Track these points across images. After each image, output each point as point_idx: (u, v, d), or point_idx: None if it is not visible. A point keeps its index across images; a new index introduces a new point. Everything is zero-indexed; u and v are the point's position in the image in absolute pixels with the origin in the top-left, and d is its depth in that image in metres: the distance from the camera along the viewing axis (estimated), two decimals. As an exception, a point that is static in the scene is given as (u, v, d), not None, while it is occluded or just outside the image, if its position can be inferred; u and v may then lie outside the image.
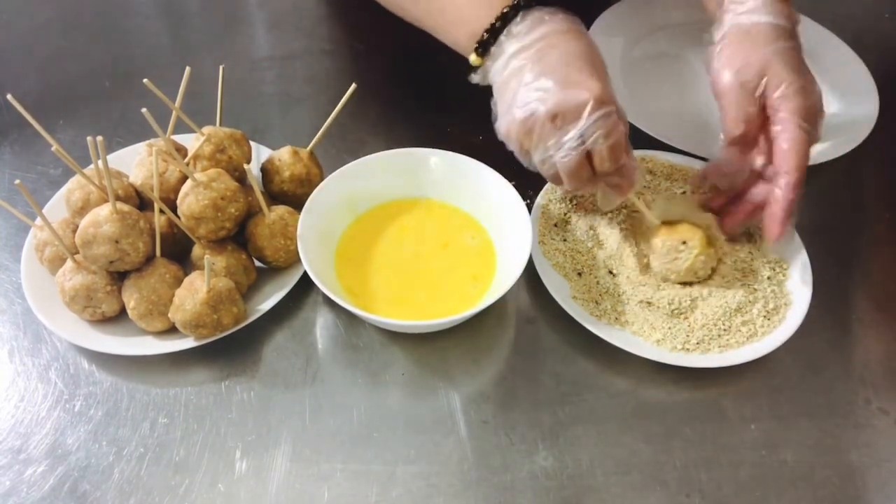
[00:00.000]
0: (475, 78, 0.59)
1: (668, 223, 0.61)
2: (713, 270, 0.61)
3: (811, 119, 0.57)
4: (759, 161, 0.60)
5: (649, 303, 0.59)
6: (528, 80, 0.54)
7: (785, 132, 0.57)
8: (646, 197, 0.65)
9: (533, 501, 0.51)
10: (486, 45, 0.57)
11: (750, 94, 0.58)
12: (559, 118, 0.53)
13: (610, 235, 0.63)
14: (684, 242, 0.59)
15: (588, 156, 0.55)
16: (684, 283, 0.60)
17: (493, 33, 0.56)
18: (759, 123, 0.59)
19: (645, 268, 0.61)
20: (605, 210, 0.64)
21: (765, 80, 0.58)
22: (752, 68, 0.58)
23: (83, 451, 0.53)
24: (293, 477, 0.52)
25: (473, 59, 0.58)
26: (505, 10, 0.55)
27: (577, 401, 0.56)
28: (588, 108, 0.53)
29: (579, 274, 0.61)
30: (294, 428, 0.55)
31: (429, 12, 0.62)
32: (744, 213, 0.61)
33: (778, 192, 0.57)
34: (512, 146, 0.57)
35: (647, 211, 0.62)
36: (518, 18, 0.55)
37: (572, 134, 0.53)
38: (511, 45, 0.55)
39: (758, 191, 0.60)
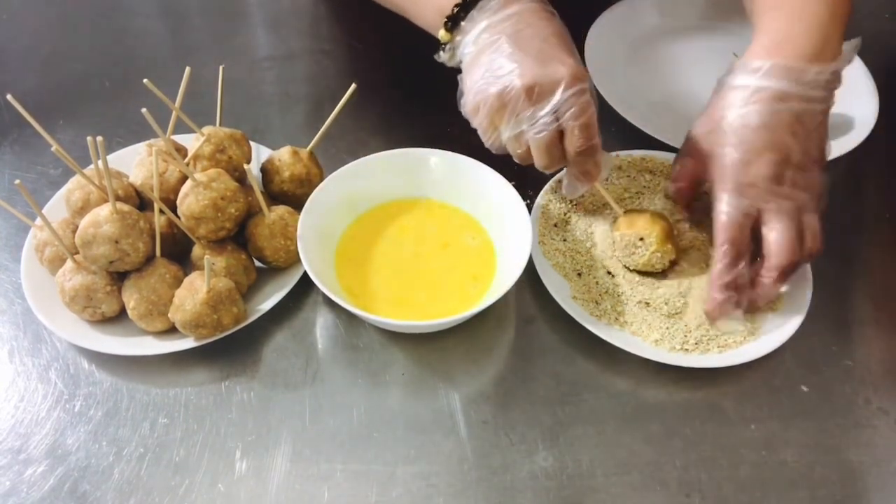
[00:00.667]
0: (442, 56, 0.59)
1: (632, 212, 0.62)
2: (673, 263, 0.62)
3: (748, 191, 0.54)
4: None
5: (647, 303, 0.59)
6: (503, 54, 0.54)
7: (716, 209, 0.56)
8: (615, 190, 0.66)
9: (533, 501, 0.51)
10: (455, 19, 0.56)
11: (690, 173, 0.60)
12: (535, 93, 0.53)
13: (607, 235, 0.63)
14: (641, 238, 0.59)
15: (560, 135, 0.55)
16: (669, 290, 0.60)
17: (465, 7, 0.56)
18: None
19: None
20: (570, 197, 0.65)
21: (708, 159, 0.57)
22: (702, 142, 0.58)
23: (83, 452, 0.53)
24: (293, 477, 0.52)
25: (442, 34, 0.58)
26: None
27: (577, 401, 0.56)
28: (563, 84, 0.53)
29: (579, 274, 0.61)
30: (294, 428, 0.55)
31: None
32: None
33: (762, 282, 0.56)
34: (479, 122, 0.57)
35: (613, 201, 0.62)
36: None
37: (548, 109, 0.53)
38: (483, 19, 0.55)
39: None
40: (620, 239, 0.61)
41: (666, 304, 0.59)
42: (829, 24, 0.57)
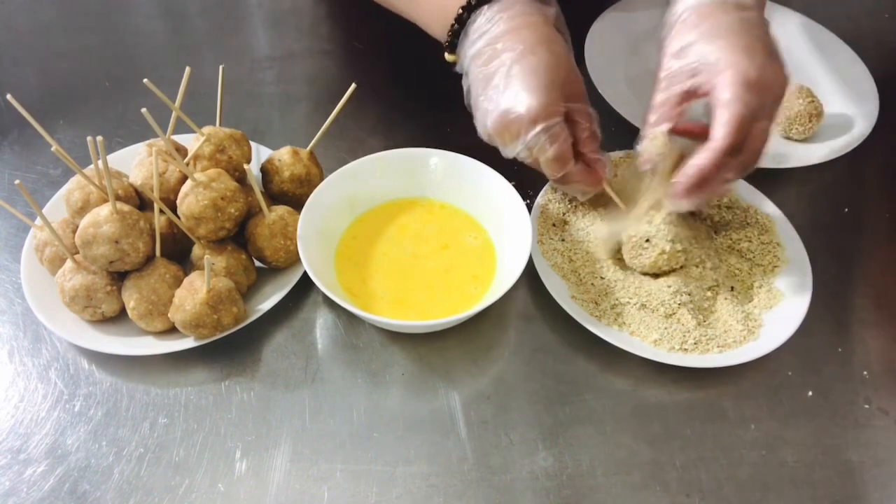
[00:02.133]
0: (456, 68, 0.61)
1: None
2: (702, 266, 0.61)
3: (753, 90, 0.52)
4: None
5: (645, 304, 0.59)
6: (479, 91, 0.58)
7: (717, 104, 0.53)
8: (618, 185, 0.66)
9: (533, 501, 0.51)
10: (452, 45, 0.60)
11: (676, 93, 0.56)
12: (506, 134, 0.57)
13: (604, 235, 0.63)
14: (647, 240, 0.59)
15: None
16: (669, 290, 0.59)
17: (454, 35, 0.59)
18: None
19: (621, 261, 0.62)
20: (581, 200, 0.65)
21: (694, 68, 0.55)
22: (682, 58, 0.56)
23: (83, 452, 0.53)
24: (293, 477, 0.52)
25: (448, 56, 0.61)
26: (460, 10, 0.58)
27: (577, 401, 0.56)
28: (524, 127, 0.55)
29: (577, 274, 0.61)
30: (294, 428, 0.55)
31: (410, 4, 0.65)
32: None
33: (695, 157, 0.54)
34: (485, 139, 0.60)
35: (619, 199, 0.62)
36: (474, 16, 0.58)
37: (519, 148, 0.57)
38: (472, 46, 0.58)
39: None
40: (628, 241, 0.60)
41: (662, 305, 0.58)
42: None
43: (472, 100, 0.59)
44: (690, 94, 0.56)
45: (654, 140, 0.57)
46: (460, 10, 0.57)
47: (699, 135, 0.56)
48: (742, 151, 0.54)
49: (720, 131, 0.53)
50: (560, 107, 0.56)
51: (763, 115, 0.54)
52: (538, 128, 0.55)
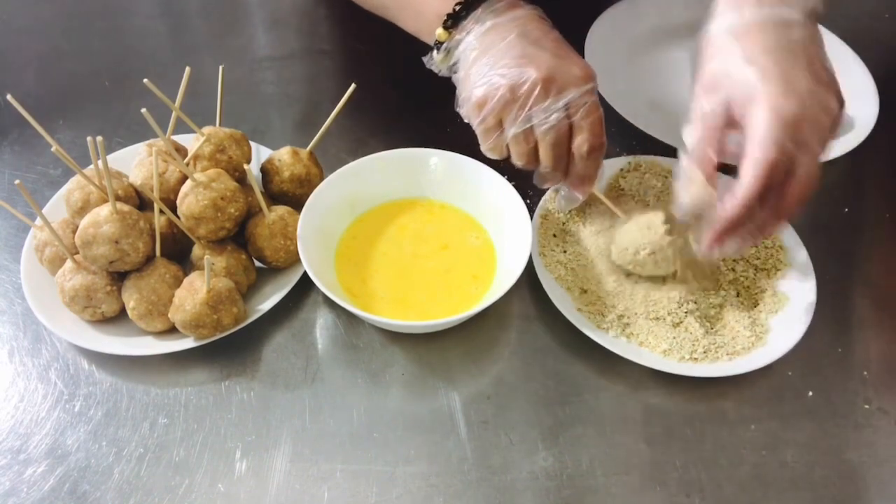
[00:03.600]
0: (434, 57, 0.58)
1: (637, 213, 0.61)
2: (713, 276, 0.61)
3: (792, 129, 0.48)
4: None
5: (651, 314, 0.59)
6: (514, 49, 0.54)
7: (749, 145, 0.49)
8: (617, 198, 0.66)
9: (533, 501, 0.51)
10: (457, 17, 0.56)
11: (714, 128, 0.52)
12: (552, 86, 0.53)
13: (606, 243, 0.63)
14: (646, 244, 0.58)
15: (569, 133, 0.55)
16: (673, 300, 0.59)
17: (468, 6, 0.56)
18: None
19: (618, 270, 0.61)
20: (564, 211, 0.64)
21: (728, 95, 0.51)
22: (716, 84, 0.51)
23: (83, 452, 0.53)
24: (293, 477, 0.52)
25: (440, 32, 0.57)
26: None
27: (577, 401, 0.56)
28: (579, 81, 0.53)
29: (582, 287, 0.60)
30: (294, 428, 0.55)
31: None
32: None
33: (721, 207, 0.51)
34: (483, 117, 0.55)
35: (614, 206, 0.62)
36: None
37: (561, 103, 0.53)
38: (488, 18, 0.55)
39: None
40: (621, 240, 0.60)
41: (669, 314, 0.58)
42: None
43: (475, 66, 0.55)
44: (728, 127, 0.52)
45: (694, 184, 0.53)
46: (456, 5, 0.56)
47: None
48: (781, 195, 0.49)
49: (747, 176, 0.48)
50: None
51: (806, 153, 0.48)
52: (591, 84, 0.54)
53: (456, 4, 0.56)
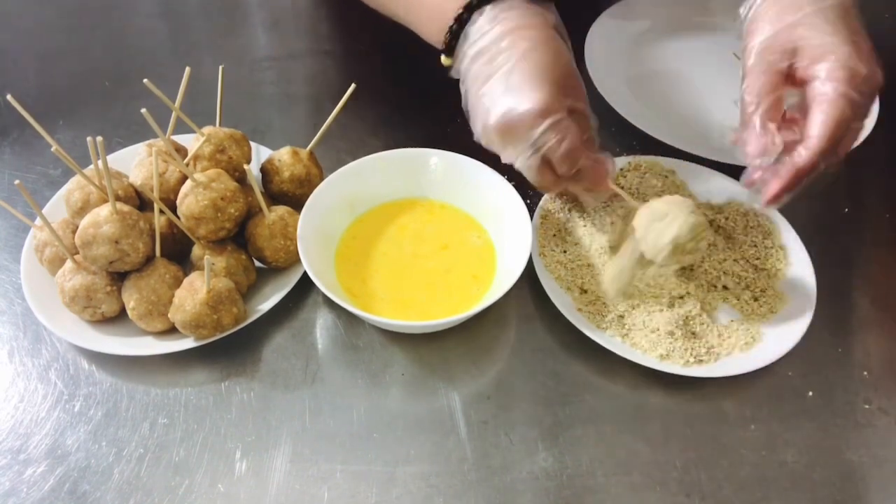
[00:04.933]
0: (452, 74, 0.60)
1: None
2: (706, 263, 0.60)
3: (859, 88, 0.50)
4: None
5: (650, 315, 0.58)
6: (478, 88, 0.56)
7: (820, 99, 0.51)
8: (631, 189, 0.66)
9: (533, 501, 0.51)
10: (451, 46, 0.58)
11: (776, 74, 0.53)
12: (509, 134, 0.55)
13: (603, 247, 0.63)
14: (667, 215, 0.55)
15: (548, 162, 0.56)
16: (674, 297, 0.59)
17: (454, 35, 0.57)
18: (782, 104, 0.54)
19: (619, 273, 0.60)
20: (590, 207, 0.65)
21: (797, 49, 0.52)
22: (778, 41, 0.53)
23: (83, 452, 0.53)
24: (293, 477, 0.52)
25: (444, 59, 0.59)
26: (460, 11, 0.56)
27: (577, 401, 0.56)
28: (533, 120, 0.53)
29: (582, 288, 0.60)
30: (294, 428, 0.55)
31: (407, 8, 0.63)
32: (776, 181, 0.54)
33: (793, 156, 0.52)
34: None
35: (629, 196, 0.61)
36: (475, 16, 0.56)
37: (523, 147, 0.55)
38: (472, 46, 0.56)
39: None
40: (642, 219, 0.56)
41: (669, 314, 0.58)
42: None
43: (470, 100, 0.58)
44: (788, 78, 0.53)
45: (772, 135, 0.53)
46: (461, 10, 0.56)
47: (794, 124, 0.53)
48: (833, 153, 0.52)
49: (821, 130, 0.50)
50: (564, 103, 0.55)
51: (860, 115, 0.51)
52: (547, 122, 0.53)
53: (446, 35, 0.57)
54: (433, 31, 0.59)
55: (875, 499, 0.53)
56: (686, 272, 0.61)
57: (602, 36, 0.81)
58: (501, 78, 0.55)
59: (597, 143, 0.59)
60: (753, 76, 0.54)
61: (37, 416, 0.55)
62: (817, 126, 0.50)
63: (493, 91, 0.55)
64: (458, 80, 0.59)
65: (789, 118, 0.54)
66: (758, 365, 0.55)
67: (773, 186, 0.53)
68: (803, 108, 0.53)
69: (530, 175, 0.57)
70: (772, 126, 0.53)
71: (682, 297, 0.59)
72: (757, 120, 0.53)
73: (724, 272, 0.62)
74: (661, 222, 0.55)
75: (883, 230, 0.70)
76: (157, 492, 0.51)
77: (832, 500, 0.52)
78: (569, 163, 0.55)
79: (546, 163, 0.56)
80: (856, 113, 0.51)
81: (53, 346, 0.59)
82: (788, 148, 0.52)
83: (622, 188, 0.67)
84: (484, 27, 0.56)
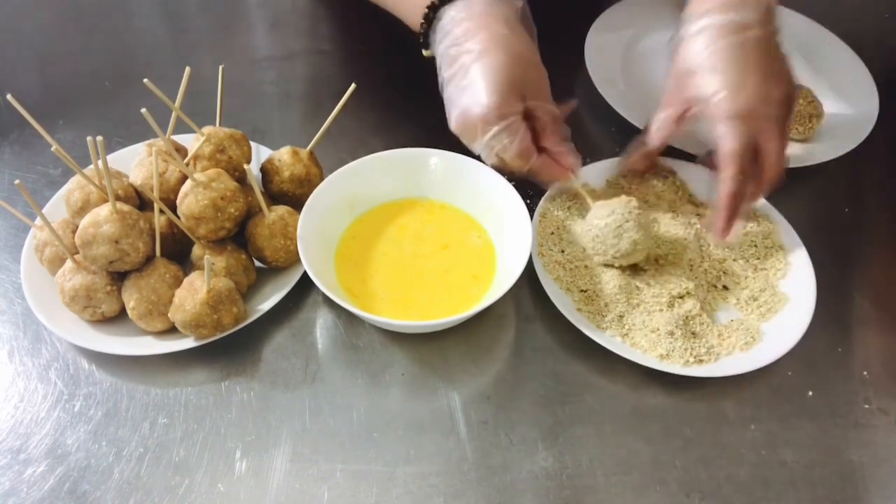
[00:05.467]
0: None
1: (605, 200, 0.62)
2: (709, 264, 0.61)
3: (745, 115, 0.56)
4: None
5: (649, 315, 0.58)
6: (447, 88, 0.59)
7: (715, 132, 0.57)
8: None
9: (533, 501, 0.51)
10: (426, 41, 0.62)
11: (672, 116, 0.61)
12: (467, 133, 0.59)
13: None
14: (619, 227, 0.59)
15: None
16: (674, 297, 0.59)
17: (425, 33, 0.61)
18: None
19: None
20: (553, 192, 0.66)
21: (690, 98, 0.59)
22: (680, 85, 0.60)
23: (83, 452, 0.53)
24: (293, 477, 0.52)
25: (424, 52, 0.63)
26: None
27: (577, 401, 0.56)
28: (481, 126, 0.57)
29: (580, 287, 0.60)
30: (294, 428, 0.55)
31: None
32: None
33: (717, 193, 0.58)
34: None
35: (587, 195, 0.63)
36: (439, 14, 0.60)
37: (477, 148, 0.59)
38: (440, 38, 0.60)
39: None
40: (594, 215, 0.60)
41: (669, 314, 0.58)
42: None
43: (444, 95, 0.61)
44: (687, 114, 0.61)
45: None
46: (426, 10, 0.60)
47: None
48: (761, 169, 0.58)
49: (723, 163, 0.57)
50: (515, 105, 0.58)
51: (769, 133, 0.57)
52: (495, 128, 0.57)
53: (419, 31, 0.61)
54: (414, 21, 0.62)
55: (875, 499, 0.53)
56: (686, 272, 0.61)
57: (602, 36, 0.81)
58: (459, 82, 0.58)
59: (563, 133, 0.62)
60: (659, 113, 0.62)
61: (37, 415, 0.55)
62: (722, 155, 0.57)
63: (451, 92, 0.59)
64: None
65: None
66: (758, 365, 0.55)
67: (718, 221, 0.59)
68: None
69: (493, 167, 0.61)
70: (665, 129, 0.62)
71: (682, 297, 0.59)
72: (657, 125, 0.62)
73: (724, 272, 0.62)
74: (617, 238, 0.59)
75: (883, 230, 0.70)
76: (157, 491, 0.51)
77: (832, 500, 0.52)
78: (519, 162, 0.59)
79: (501, 165, 0.60)
80: (751, 140, 0.57)
81: (53, 345, 0.59)
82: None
83: (622, 189, 0.67)
84: (446, 27, 0.59)
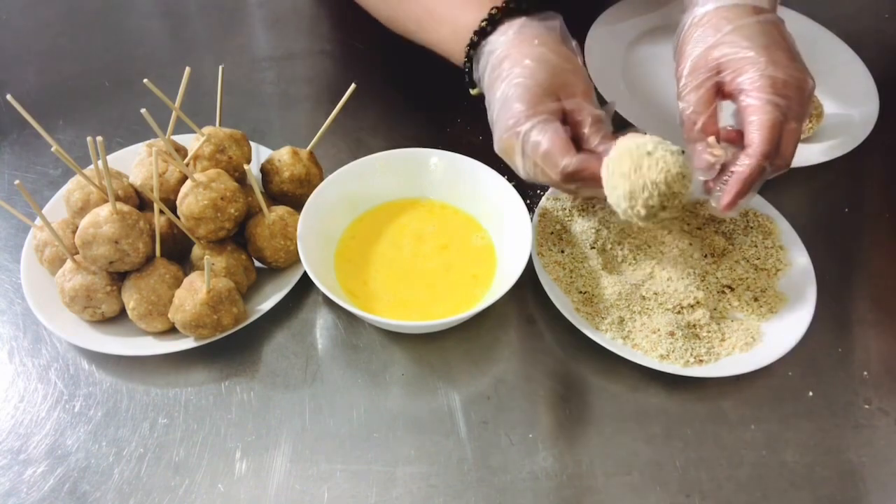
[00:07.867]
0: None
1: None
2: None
3: (782, 92, 0.54)
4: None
5: (649, 316, 0.58)
6: (491, 114, 0.58)
7: (749, 109, 0.55)
8: None
9: (533, 501, 0.51)
10: (469, 71, 0.61)
11: (706, 91, 0.57)
12: (507, 152, 0.57)
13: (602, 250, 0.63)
14: (648, 153, 0.52)
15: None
16: (683, 307, 0.59)
17: (469, 70, 0.61)
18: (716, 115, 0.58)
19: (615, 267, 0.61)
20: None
21: (720, 65, 0.56)
22: (703, 60, 0.57)
23: (83, 452, 0.53)
24: (293, 477, 0.52)
25: (474, 92, 0.63)
26: (473, 37, 0.59)
27: (577, 401, 0.56)
28: (514, 128, 0.56)
29: (579, 289, 0.60)
30: (294, 428, 0.55)
31: (419, 24, 0.66)
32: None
33: (737, 166, 0.55)
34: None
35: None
36: (477, 52, 0.59)
37: (518, 160, 0.57)
38: (484, 71, 0.59)
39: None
40: (618, 152, 0.53)
41: (669, 314, 0.58)
42: None
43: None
44: (718, 91, 0.57)
45: (712, 148, 0.56)
46: (467, 48, 0.60)
47: (735, 141, 0.56)
48: (777, 155, 0.55)
49: (757, 136, 0.54)
50: (547, 105, 0.56)
51: (792, 117, 0.55)
52: (524, 127, 0.55)
53: (465, 62, 0.61)
54: (458, 58, 0.62)
55: (875, 499, 0.53)
56: (696, 281, 0.60)
57: (602, 36, 0.81)
58: (498, 105, 0.57)
59: (607, 133, 0.57)
60: (687, 96, 0.58)
61: (37, 416, 0.55)
62: (753, 133, 0.54)
63: (491, 116, 0.58)
64: (464, 83, 0.61)
65: (732, 132, 0.57)
66: (758, 365, 0.55)
67: (727, 194, 0.55)
68: (739, 120, 0.56)
69: (533, 181, 0.59)
70: (711, 139, 0.57)
71: (692, 307, 0.59)
72: (696, 136, 0.57)
73: (725, 273, 0.62)
74: (644, 158, 0.52)
75: (883, 230, 0.70)
76: (157, 492, 0.51)
77: (832, 500, 0.52)
78: (550, 162, 0.55)
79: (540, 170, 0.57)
80: (786, 115, 0.54)
81: (53, 346, 0.59)
82: (734, 157, 0.56)
83: None
84: (489, 52, 0.59)
